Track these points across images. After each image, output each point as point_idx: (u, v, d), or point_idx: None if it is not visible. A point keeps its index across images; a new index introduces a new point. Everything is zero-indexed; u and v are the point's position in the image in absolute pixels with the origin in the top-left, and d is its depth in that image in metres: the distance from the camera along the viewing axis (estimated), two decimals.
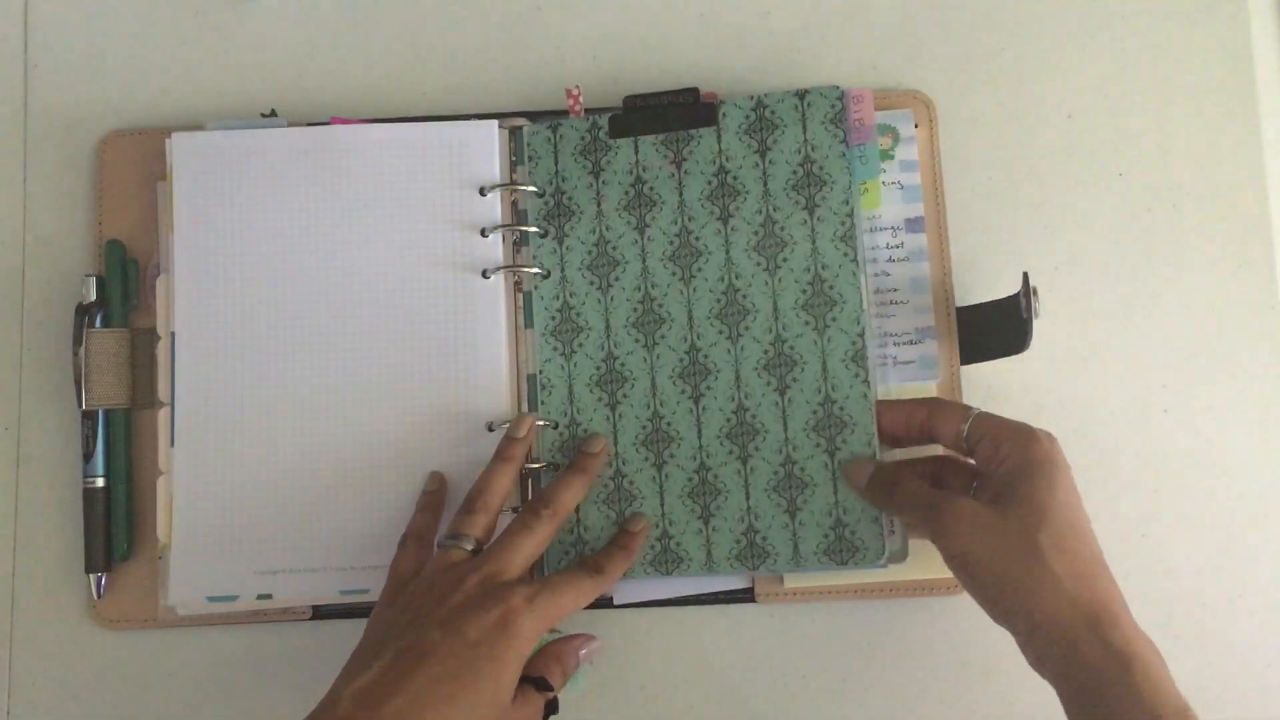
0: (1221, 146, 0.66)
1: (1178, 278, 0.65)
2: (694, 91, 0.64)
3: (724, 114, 0.63)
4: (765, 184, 0.62)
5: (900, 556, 0.61)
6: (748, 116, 0.63)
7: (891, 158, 0.65)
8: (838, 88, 0.63)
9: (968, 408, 0.57)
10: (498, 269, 0.63)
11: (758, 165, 0.63)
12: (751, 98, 0.63)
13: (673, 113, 0.64)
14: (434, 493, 0.61)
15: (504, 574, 0.55)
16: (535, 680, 0.55)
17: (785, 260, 0.62)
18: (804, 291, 0.62)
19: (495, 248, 0.63)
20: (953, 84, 0.67)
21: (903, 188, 0.65)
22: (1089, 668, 0.50)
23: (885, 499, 0.57)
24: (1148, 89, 0.67)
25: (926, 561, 0.62)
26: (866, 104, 0.63)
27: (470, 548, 0.56)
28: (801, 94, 0.63)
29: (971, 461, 0.57)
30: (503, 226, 0.63)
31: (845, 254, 0.61)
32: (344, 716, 0.49)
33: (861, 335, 0.61)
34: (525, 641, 0.53)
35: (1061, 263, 0.65)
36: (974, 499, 0.54)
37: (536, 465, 0.62)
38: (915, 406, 0.59)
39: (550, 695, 0.55)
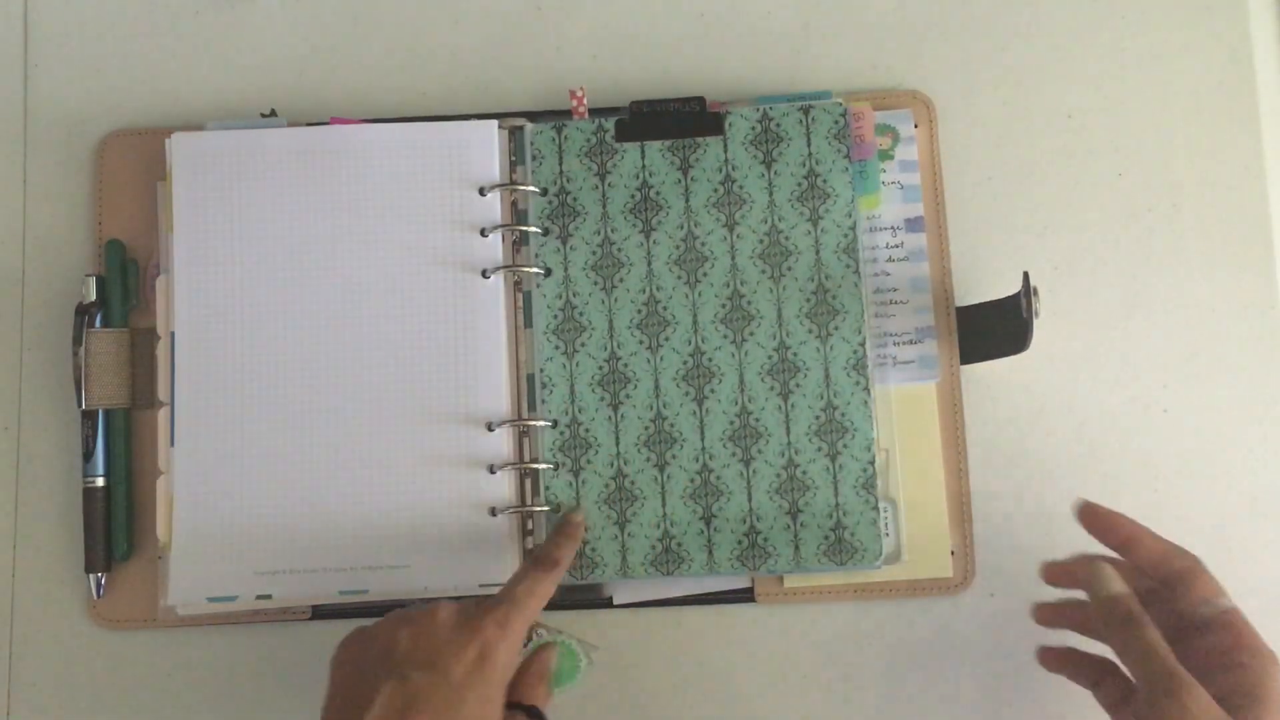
0: (1221, 146, 0.66)
1: (1178, 278, 0.65)
2: (700, 100, 0.65)
3: (730, 124, 0.64)
4: (770, 194, 0.63)
5: (895, 558, 0.61)
6: (754, 128, 0.64)
7: (891, 158, 0.65)
8: (841, 104, 0.63)
9: (1224, 592, 0.53)
10: (497, 269, 0.63)
11: (763, 176, 0.63)
12: (757, 109, 0.64)
13: (678, 120, 0.64)
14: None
15: (476, 606, 0.54)
16: (525, 709, 0.54)
17: (790, 269, 0.62)
18: (808, 300, 0.62)
19: (495, 248, 0.63)
20: (953, 84, 0.67)
21: (902, 188, 0.65)
22: None
23: (1119, 628, 0.52)
24: (1148, 89, 0.67)
25: (926, 561, 0.62)
26: (866, 121, 0.64)
27: None
28: (806, 108, 0.63)
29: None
30: (502, 226, 0.63)
31: (848, 265, 0.62)
32: None
33: (863, 344, 0.61)
34: (506, 670, 0.53)
35: (1061, 263, 0.65)
36: (1201, 688, 0.49)
37: (537, 465, 0.62)
38: (1178, 554, 0.54)
39: None
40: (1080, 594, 0.56)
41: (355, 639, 0.55)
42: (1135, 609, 0.52)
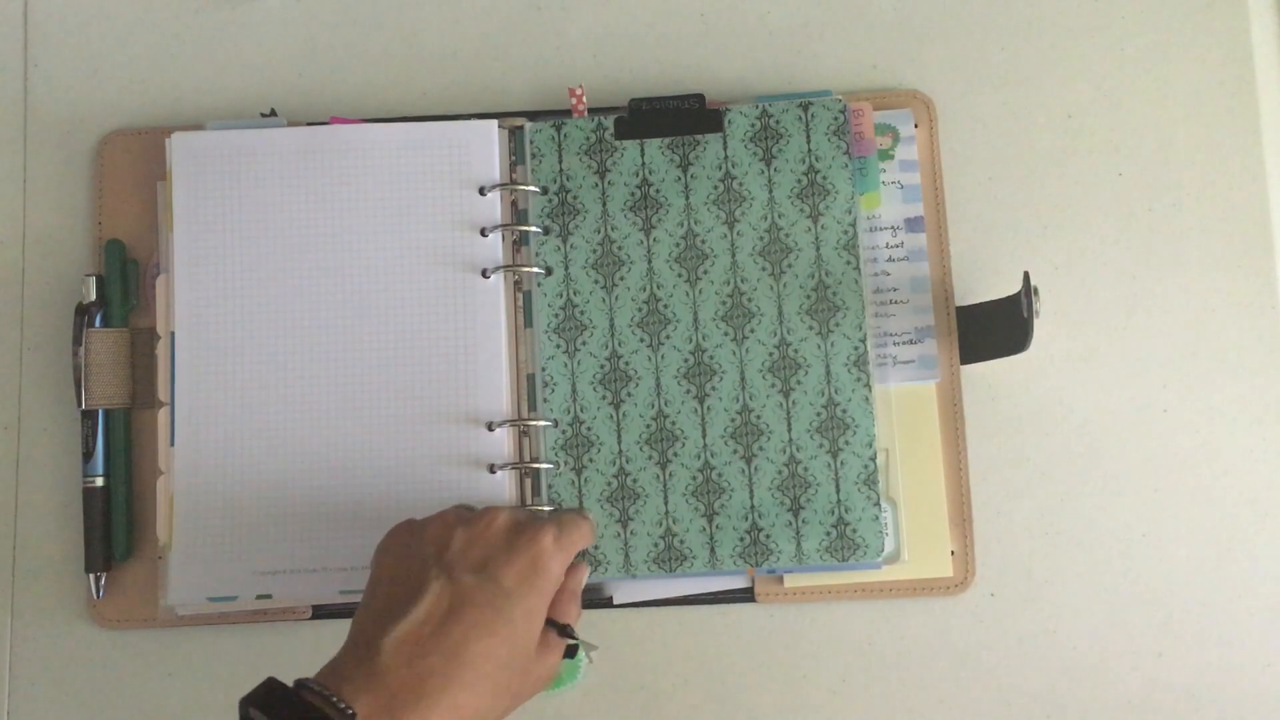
0: (1221, 146, 0.66)
1: (1178, 278, 0.65)
2: (700, 97, 0.65)
3: (729, 121, 0.64)
4: (770, 191, 0.63)
5: (895, 558, 0.61)
6: (753, 125, 0.64)
7: (891, 157, 0.65)
8: (841, 100, 0.63)
9: None
10: (497, 268, 0.63)
11: (763, 173, 0.63)
12: (756, 106, 0.64)
13: (678, 117, 0.64)
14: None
15: (530, 518, 0.55)
16: (557, 625, 0.54)
17: (790, 266, 0.62)
18: (808, 297, 0.62)
19: (495, 247, 0.63)
20: (953, 84, 0.67)
21: (902, 187, 0.65)
22: None
23: None
24: (1148, 89, 0.67)
25: (926, 561, 0.62)
26: (866, 119, 0.64)
27: None
28: (805, 105, 0.63)
29: None
30: (502, 226, 0.63)
31: (848, 262, 0.62)
32: (386, 668, 0.47)
33: (864, 340, 0.61)
34: (554, 583, 0.53)
35: (1061, 263, 0.65)
36: None
37: (537, 465, 0.62)
38: None
39: (571, 640, 0.55)
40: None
41: (406, 529, 0.55)
42: None
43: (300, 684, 0.47)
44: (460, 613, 0.49)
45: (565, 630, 0.55)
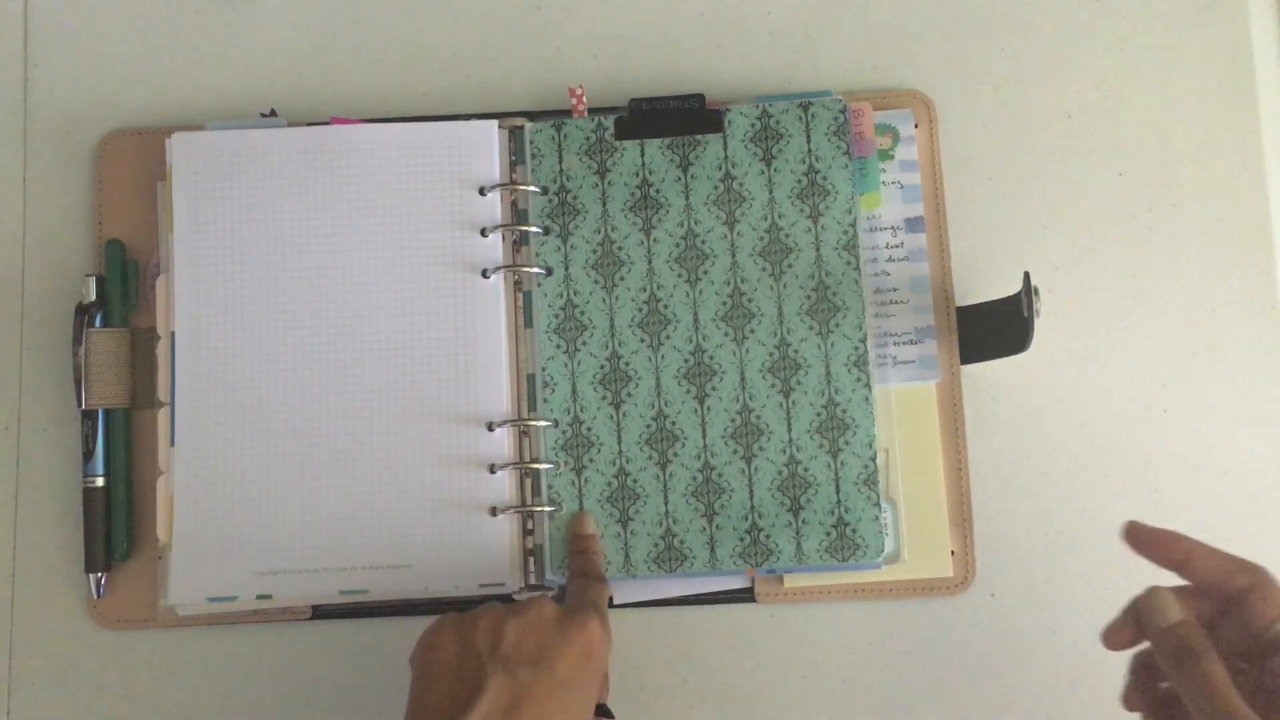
0: (1221, 146, 0.66)
1: (1178, 278, 0.65)
2: (700, 97, 0.65)
3: (729, 121, 0.64)
4: (770, 191, 0.63)
5: (895, 558, 0.62)
6: (753, 125, 0.64)
7: (891, 157, 0.65)
8: (841, 100, 0.63)
9: None
10: (498, 269, 0.63)
11: (763, 173, 0.63)
12: (756, 106, 0.64)
13: (678, 118, 0.64)
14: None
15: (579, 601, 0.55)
16: (601, 708, 0.56)
17: (790, 266, 0.62)
18: (808, 298, 0.62)
19: (495, 248, 0.63)
20: (953, 84, 0.67)
21: (902, 187, 0.65)
22: None
23: (1174, 663, 0.46)
24: (1148, 89, 0.67)
25: (926, 561, 0.62)
26: (866, 118, 0.64)
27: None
28: (805, 105, 0.63)
29: None
30: (502, 226, 0.63)
31: (848, 262, 0.62)
32: None
33: (864, 341, 0.61)
34: (604, 669, 0.54)
35: (1061, 263, 0.65)
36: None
37: (537, 465, 0.62)
38: (1241, 568, 0.48)
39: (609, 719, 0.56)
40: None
41: (453, 625, 0.53)
42: (1193, 641, 0.46)
43: None
44: (521, 707, 0.49)
45: (604, 710, 0.56)
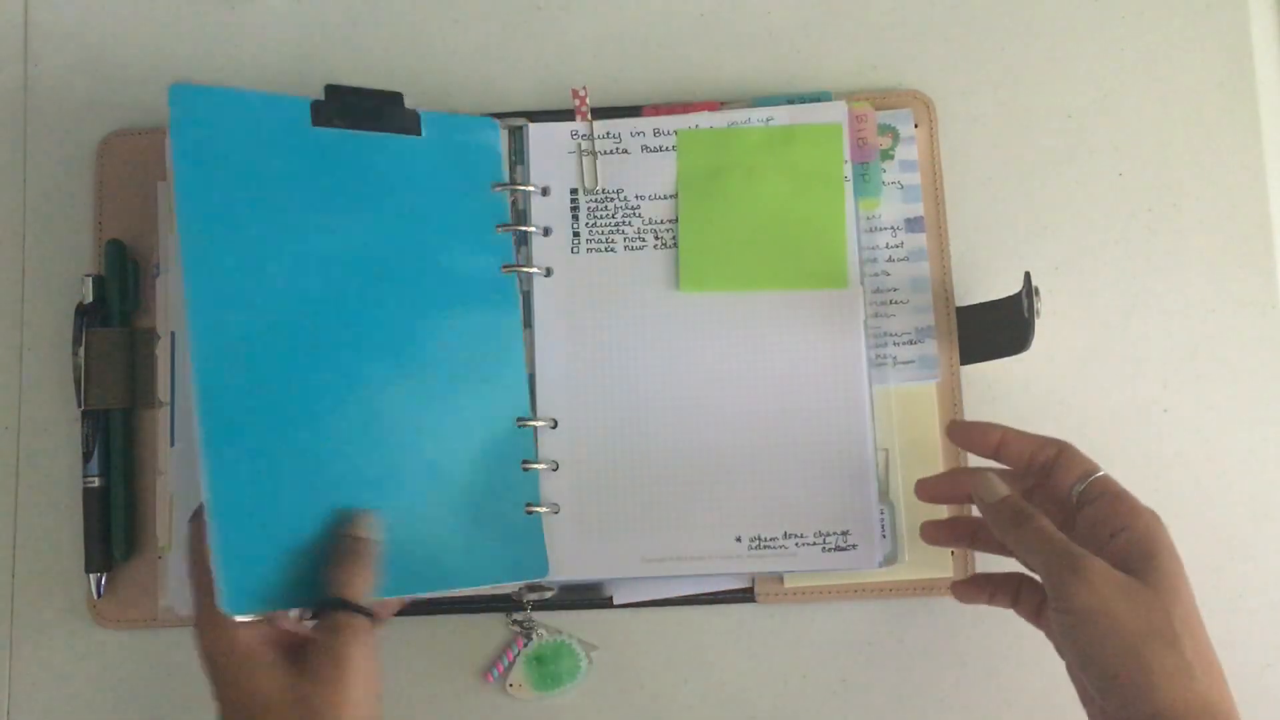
0: (1221, 146, 0.66)
1: (1178, 278, 0.65)
2: (399, 96, 0.62)
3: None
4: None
5: (894, 558, 0.62)
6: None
7: (891, 157, 0.65)
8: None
9: (1093, 464, 0.54)
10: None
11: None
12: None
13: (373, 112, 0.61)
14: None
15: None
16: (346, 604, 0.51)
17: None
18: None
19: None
20: (953, 84, 0.67)
21: (902, 188, 0.65)
22: None
23: (1011, 527, 0.52)
24: (1148, 89, 0.67)
25: (926, 561, 0.62)
26: (869, 123, 0.64)
27: None
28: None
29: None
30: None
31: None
32: None
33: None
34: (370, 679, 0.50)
35: (1061, 263, 0.65)
36: (1098, 559, 0.50)
37: (537, 466, 0.62)
38: (1046, 443, 0.55)
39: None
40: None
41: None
42: (1021, 506, 0.53)
43: None
44: None
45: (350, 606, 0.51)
